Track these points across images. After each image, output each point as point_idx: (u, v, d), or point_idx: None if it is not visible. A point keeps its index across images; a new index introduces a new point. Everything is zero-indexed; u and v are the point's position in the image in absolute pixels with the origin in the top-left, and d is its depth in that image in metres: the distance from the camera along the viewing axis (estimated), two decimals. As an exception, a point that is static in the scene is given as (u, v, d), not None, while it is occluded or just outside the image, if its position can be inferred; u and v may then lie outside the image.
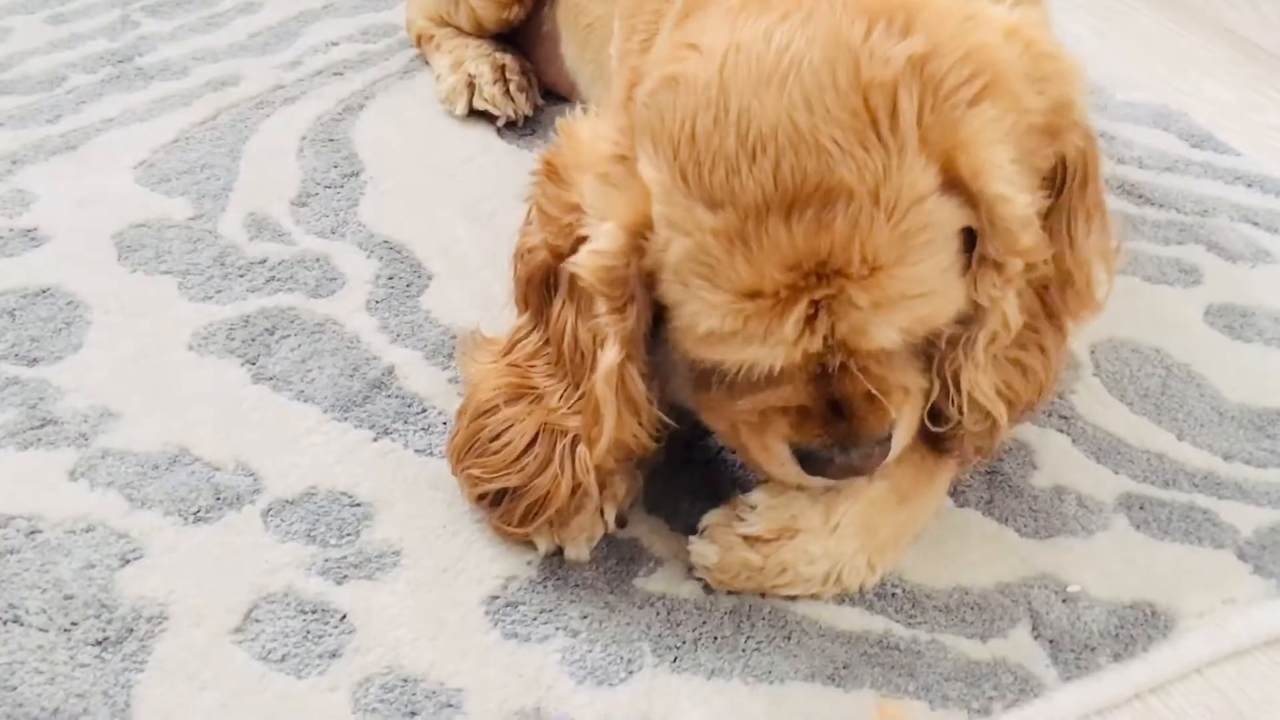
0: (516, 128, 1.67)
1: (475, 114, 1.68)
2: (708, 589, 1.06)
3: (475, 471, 1.06)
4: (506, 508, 1.05)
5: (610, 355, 0.97)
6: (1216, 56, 1.98)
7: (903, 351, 0.97)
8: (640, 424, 1.02)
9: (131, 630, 1.01)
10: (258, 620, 1.02)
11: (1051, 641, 1.03)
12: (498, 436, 1.05)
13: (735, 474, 1.14)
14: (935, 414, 1.02)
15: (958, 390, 1.00)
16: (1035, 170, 0.95)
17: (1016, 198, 0.90)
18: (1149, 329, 1.36)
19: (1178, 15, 2.09)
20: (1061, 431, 1.23)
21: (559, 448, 1.03)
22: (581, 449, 1.01)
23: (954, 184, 0.89)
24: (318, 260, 1.42)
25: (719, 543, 1.04)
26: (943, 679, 1.00)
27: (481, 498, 1.07)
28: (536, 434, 1.04)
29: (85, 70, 1.78)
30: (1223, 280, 1.44)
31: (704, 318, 0.91)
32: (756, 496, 1.04)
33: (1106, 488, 1.17)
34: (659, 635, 1.02)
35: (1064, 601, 1.06)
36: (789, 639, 1.02)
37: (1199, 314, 1.39)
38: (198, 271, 1.40)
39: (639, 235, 0.92)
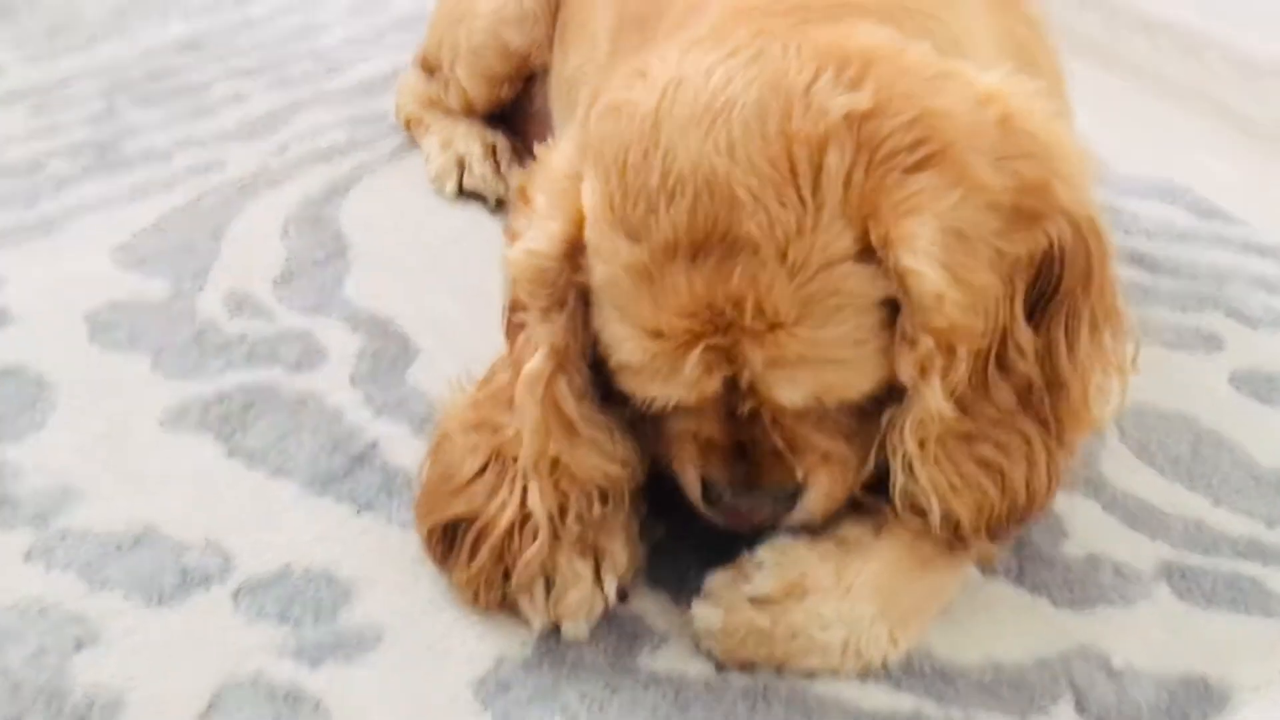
0: (508, 207, 1.62)
1: (466, 195, 1.64)
2: (719, 668, 0.97)
3: (425, 506, 1.00)
4: (459, 546, 0.99)
5: (534, 362, 0.94)
6: (1215, 135, 1.96)
7: (832, 415, 0.92)
8: (589, 451, 0.96)
9: (84, 720, 0.91)
10: (223, 711, 0.93)
11: (1098, 719, 0.94)
12: (449, 466, 1.00)
13: (745, 544, 1.06)
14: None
15: (894, 477, 0.93)
16: (997, 255, 0.87)
17: (928, 273, 0.83)
18: (1173, 395, 1.30)
19: (1172, 96, 2.08)
20: (1090, 498, 1.16)
21: (509, 475, 0.97)
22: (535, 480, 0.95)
23: (873, 252, 0.84)
24: (299, 336, 1.35)
25: (723, 605, 0.96)
26: (981, 761, 0.91)
27: (431, 535, 1.01)
28: (487, 462, 0.99)
29: (65, 157, 1.74)
30: (1245, 346, 1.39)
31: (615, 349, 0.91)
32: (763, 554, 0.97)
33: (1144, 555, 1.09)
34: (666, 717, 0.93)
35: (1108, 676, 0.97)
36: (809, 720, 0.93)
37: (1223, 380, 1.33)
38: (173, 349, 1.33)
39: (575, 244, 0.91)
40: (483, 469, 0.99)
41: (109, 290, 1.43)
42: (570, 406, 0.95)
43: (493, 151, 1.64)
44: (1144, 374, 1.32)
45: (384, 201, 1.64)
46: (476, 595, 0.99)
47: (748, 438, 0.92)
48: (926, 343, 0.85)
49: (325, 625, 1.00)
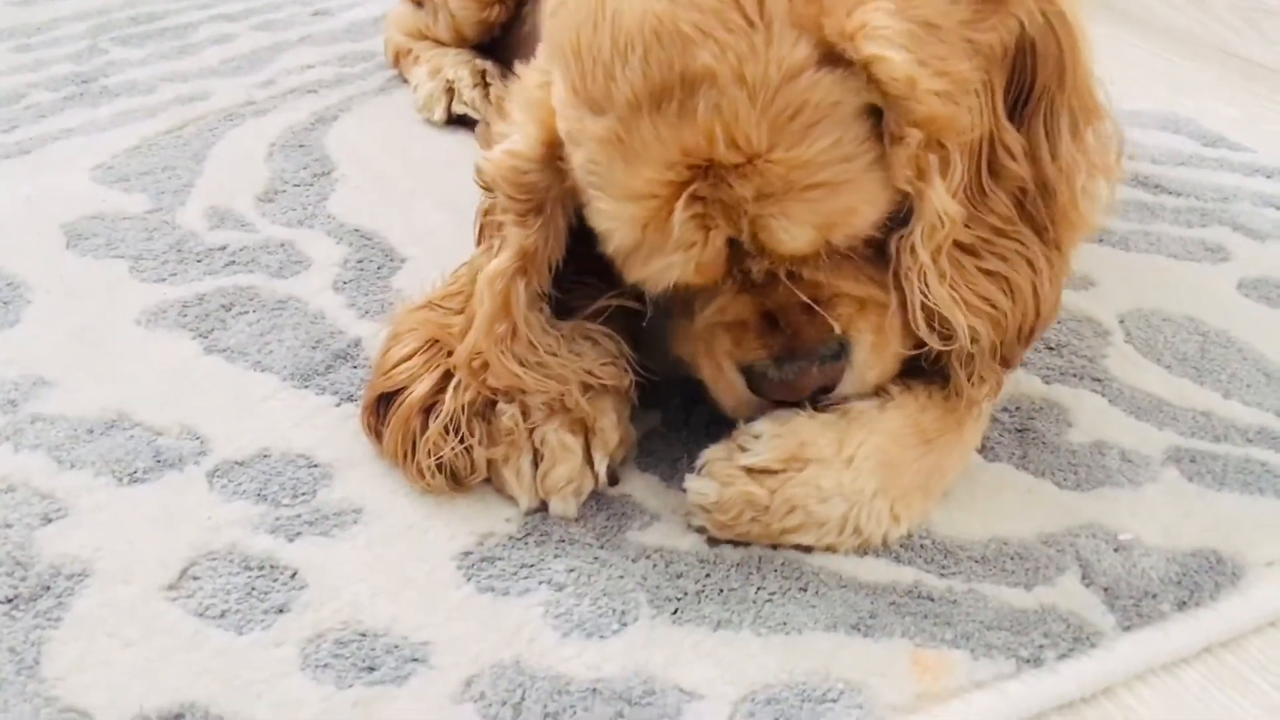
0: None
1: (455, 123, 1.61)
2: (712, 542, 0.93)
3: (367, 389, 1.00)
4: (381, 420, 0.98)
5: (500, 259, 0.93)
6: (1218, 79, 1.93)
7: (850, 258, 0.88)
8: (517, 358, 0.94)
9: (48, 587, 0.87)
10: (195, 578, 0.89)
11: (1106, 589, 0.90)
12: (390, 352, 1.00)
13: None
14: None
15: (914, 299, 0.88)
16: (970, 46, 0.84)
17: (893, 56, 0.79)
18: (1179, 299, 1.26)
19: (1174, 45, 2.05)
20: (1096, 392, 1.12)
21: (435, 362, 0.97)
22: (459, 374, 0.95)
23: (835, 56, 0.80)
24: (282, 245, 1.32)
25: (718, 477, 0.91)
26: (984, 627, 0.87)
27: (364, 413, 1.00)
28: (420, 347, 0.98)
29: (47, 89, 1.71)
30: (1253, 257, 1.35)
31: (610, 234, 0.87)
32: (761, 425, 0.93)
33: (1151, 443, 1.06)
34: (656, 586, 0.89)
35: (1116, 550, 0.94)
36: (805, 590, 0.89)
37: (1231, 286, 1.30)
38: (151, 256, 1.29)
39: (551, 147, 0.90)
40: (414, 353, 0.98)
41: (87, 204, 1.40)
42: (518, 310, 0.94)
43: (482, 77, 1.61)
44: (1147, 280, 1.31)
45: (371, 128, 1.61)
46: (400, 460, 0.97)
47: (774, 304, 0.89)
48: (914, 135, 0.81)
49: (303, 503, 0.96)
